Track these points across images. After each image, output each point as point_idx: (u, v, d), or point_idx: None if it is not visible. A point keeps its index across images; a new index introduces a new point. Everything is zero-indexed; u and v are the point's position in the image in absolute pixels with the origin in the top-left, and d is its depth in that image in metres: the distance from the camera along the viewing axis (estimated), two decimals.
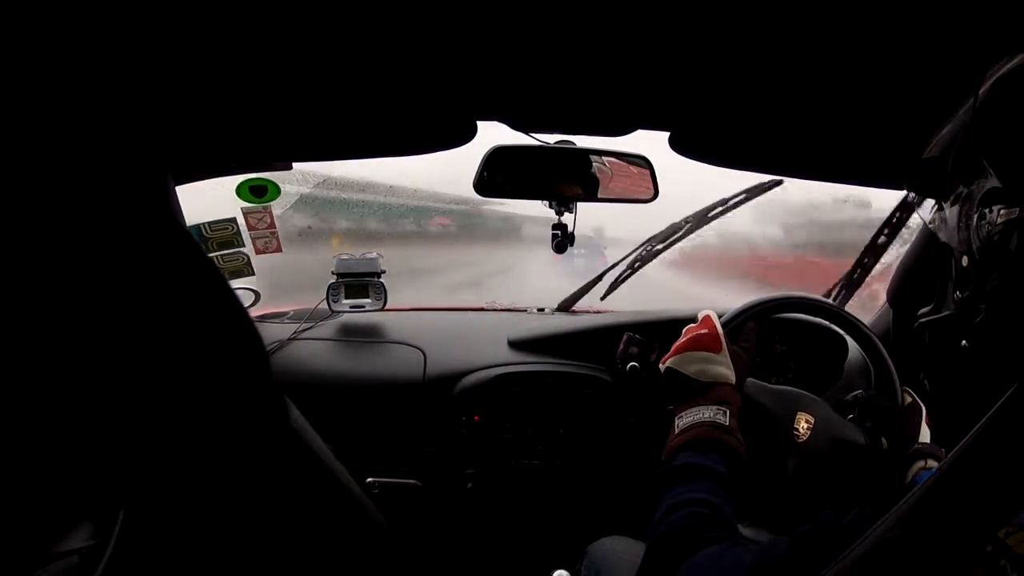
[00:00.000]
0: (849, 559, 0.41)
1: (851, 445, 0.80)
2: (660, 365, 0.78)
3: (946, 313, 0.44)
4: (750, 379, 0.83)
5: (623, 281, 1.41)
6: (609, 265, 1.42)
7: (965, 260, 0.41)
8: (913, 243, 1.15)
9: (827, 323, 1.10)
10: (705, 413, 0.69)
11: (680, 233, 1.37)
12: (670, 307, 1.27)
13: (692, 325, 0.80)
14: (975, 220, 0.39)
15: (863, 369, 1.01)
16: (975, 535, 0.36)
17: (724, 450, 0.66)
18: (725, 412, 0.69)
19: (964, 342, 0.42)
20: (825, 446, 0.79)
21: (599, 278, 1.43)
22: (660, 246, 1.39)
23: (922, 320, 0.47)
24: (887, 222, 1.29)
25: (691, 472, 0.63)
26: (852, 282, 1.36)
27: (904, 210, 1.25)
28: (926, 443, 0.80)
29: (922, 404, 0.84)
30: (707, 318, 0.80)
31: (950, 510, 0.37)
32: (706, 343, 0.76)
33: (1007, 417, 0.38)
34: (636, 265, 1.41)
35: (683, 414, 0.71)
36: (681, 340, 0.78)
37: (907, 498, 0.40)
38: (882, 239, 1.29)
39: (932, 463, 0.77)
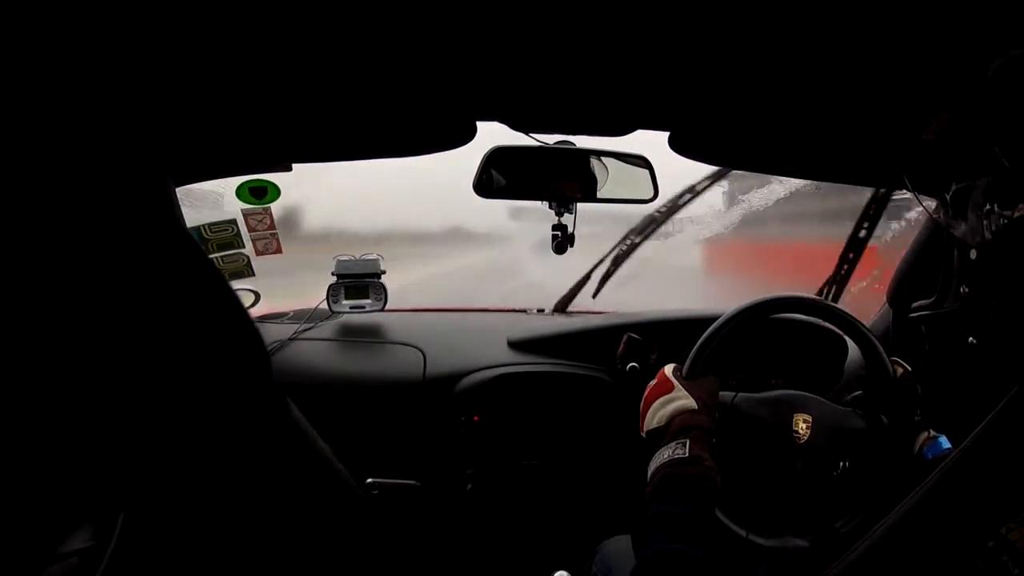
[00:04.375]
0: (854, 556, 0.41)
1: (852, 432, 0.80)
2: (642, 433, 0.79)
3: (949, 309, 0.44)
4: (741, 394, 0.83)
5: (610, 277, 1.44)
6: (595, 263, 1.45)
7: (974, 253, 0.40)
8: (913, 242, 1.15)
9: (825, 323, 1.10)
10: (664, 454, 0.69)
11: (655, 224, 1.41)
12: (669, 308, 1.27)
13: (650, 383, 0.83)
14: (984, 212, 0.38)
15: (863, 368, 1.01)
16: (979, 531, 0.36)
17: (686, 484, 0.65)
18: (684, 443, 0.69)
19: (972, 339, 0.41)
20: (827, 441, 0.79)
21: (587, 277, 1.45)
22: (639, 239, 1.43)
23: (920, 313, 0.46)
24: (864, 215, 1.32)
25: (659, 523, 0.63)
26: (840, 279, 1.38)
27: (878, 202, 1.28)
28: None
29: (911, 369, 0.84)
30: (660, 372, 0.83)
31: (954, 506, 0.37)
32: (658, 391, 0.79)
33: (1012, 415, 0.38)
34: (619, 260, 1.44)
35: (650, 463, 0.71)
36: (641, 405, 0.81)
37: (914, 493, 0.40)
38: (862, 233, 1.32)
39: (936, 431, 0.78)
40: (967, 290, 0.41)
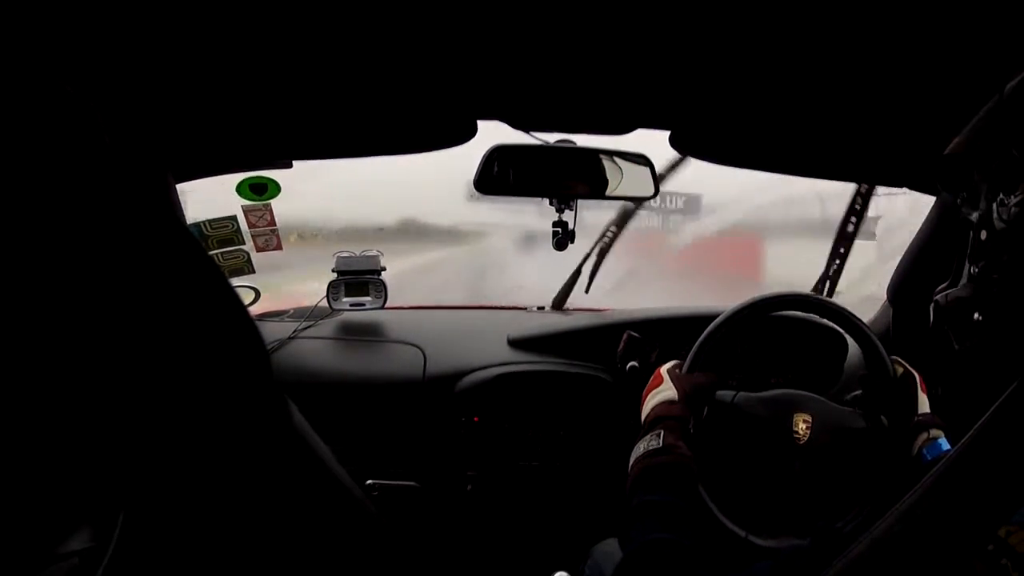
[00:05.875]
0: (851, 556, 0.41)
1: (852, 432, 0.81)
2: None
3: (962, 288, 0.43)
4: (742, 393, 0.84)
5: (597, 271, 1.46)
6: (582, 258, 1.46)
7: (984, 234, 0.40)
8: (914, 240, 1.14)
9: (826, 321, 1.10)
10: (640, 447, 0.71)
11: (632, 213, 1.45)
12: (670, 306, 1.27)
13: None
14: (996, 203, 0.38)
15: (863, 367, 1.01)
16: (979, 531, 0.36)
17: (663, 474, 0.66)
18: (659, 434, 0.70)
19: (977, 315, 0.41)
20: (827, 440, 0.79)
21: (578, 272, 1.46)
22: (616, 229, 1.46)
23: (937, 297, 0.46)
24: (850, 210, 1.35)
25: (640, 513, 0.63)
26: (833, 274, 1.40)
27: (862, 196, 1.33)
28: (927, 413, 0.81)
29: (915, 372, 0.84)
30: (657, 369, 0.85)
31: (954, 505, 0.37)
32: (651, 386, 0.82)
33: (1011, 412, 0.38)
34: (603, 252, 1.46)
35: (631, 456, 0.72)
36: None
37: (911, 493, 0.40)
38: (850, 227, 1.36)
39: (936, 432, 0.78)
40: (975, 270, 0.41)
